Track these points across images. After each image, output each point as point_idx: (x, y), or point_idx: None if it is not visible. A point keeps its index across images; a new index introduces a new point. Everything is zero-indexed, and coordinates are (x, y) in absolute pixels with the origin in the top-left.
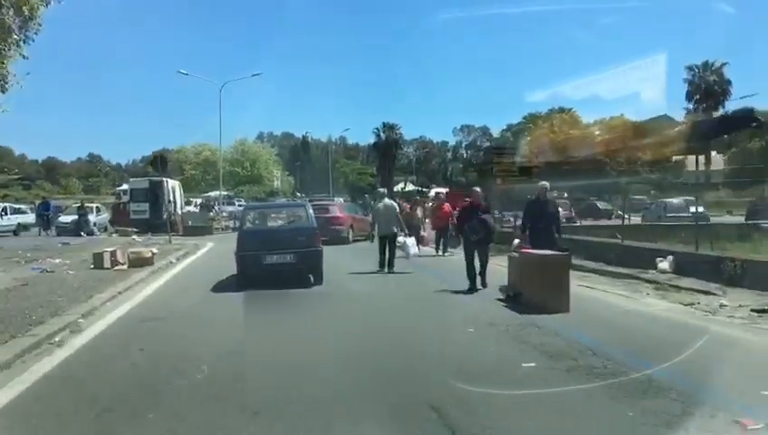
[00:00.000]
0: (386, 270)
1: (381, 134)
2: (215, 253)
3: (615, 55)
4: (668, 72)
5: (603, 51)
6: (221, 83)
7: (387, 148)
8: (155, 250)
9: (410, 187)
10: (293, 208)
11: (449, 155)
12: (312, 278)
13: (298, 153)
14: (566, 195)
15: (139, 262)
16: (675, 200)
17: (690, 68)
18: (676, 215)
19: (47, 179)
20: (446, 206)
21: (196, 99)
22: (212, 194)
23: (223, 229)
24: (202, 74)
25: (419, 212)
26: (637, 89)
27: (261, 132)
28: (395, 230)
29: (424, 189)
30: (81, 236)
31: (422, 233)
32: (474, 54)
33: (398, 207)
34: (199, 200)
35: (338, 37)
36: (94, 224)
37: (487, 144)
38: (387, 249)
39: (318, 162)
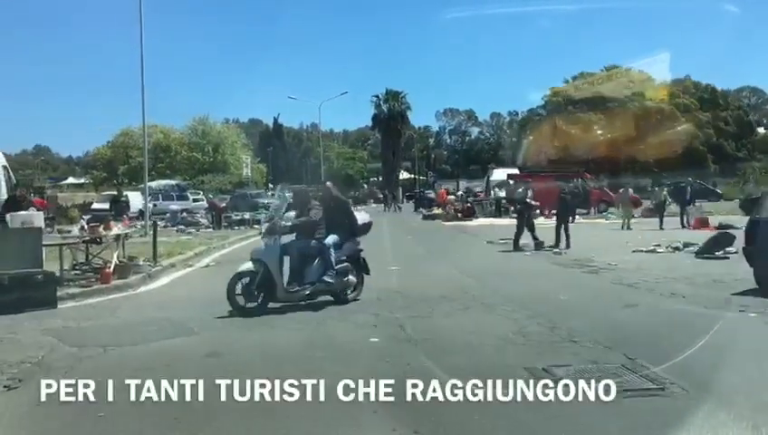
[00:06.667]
0: None
1: (382, 104)
2: None
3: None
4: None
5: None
6: None
7: (391, 121)
8: None
9: (404, 175)
10: None
11: (432, 141)
12: None
13: (269, 138)
14: None
15: None
16: None
17: None
18: None
19: None
20: None
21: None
22: (153, 184)
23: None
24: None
25: None
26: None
27: (226, 118)
28: None
29: (421, 178)
30: None
31: None
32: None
33: None
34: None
35: (313, 20)
36: None
37: (474, 129)
38: None
39: (291, 150)
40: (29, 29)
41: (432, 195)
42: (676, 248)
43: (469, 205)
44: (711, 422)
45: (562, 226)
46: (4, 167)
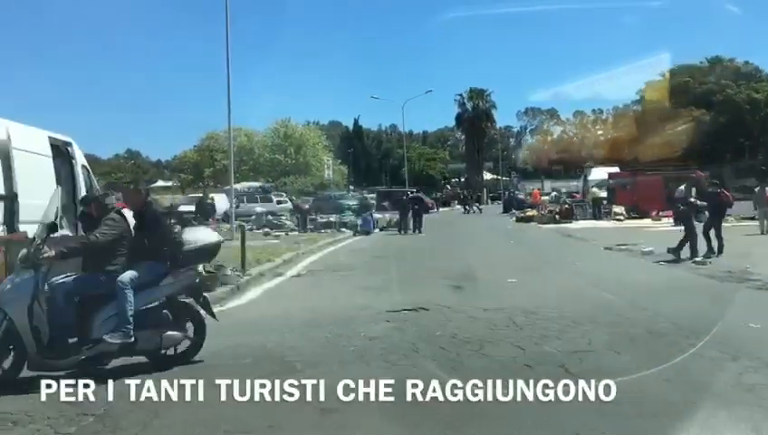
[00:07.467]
0: None
1: (466, 103)
2: None
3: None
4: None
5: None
6: None
7: (475, 120)
8: None
9: (487, 175)
10: None
11: (512, 141)
12: None
13: (350, 140)
14: None
15: None
16: None
17: None
18: None
19: None
20: None
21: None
22: (238, 186)
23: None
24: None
25: None
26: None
27: (307, 120)
28: None
29: (504, 178)
30: None
31: None
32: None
33: None
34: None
35: (389, 21)
36: None
37: (557, 128)
38: None
39: (371, 151)
40: (120, 37)
41: (522, 196)
42: None
43: (568, 206)
44: None
45: (712, 228)
46: (84, 167)
